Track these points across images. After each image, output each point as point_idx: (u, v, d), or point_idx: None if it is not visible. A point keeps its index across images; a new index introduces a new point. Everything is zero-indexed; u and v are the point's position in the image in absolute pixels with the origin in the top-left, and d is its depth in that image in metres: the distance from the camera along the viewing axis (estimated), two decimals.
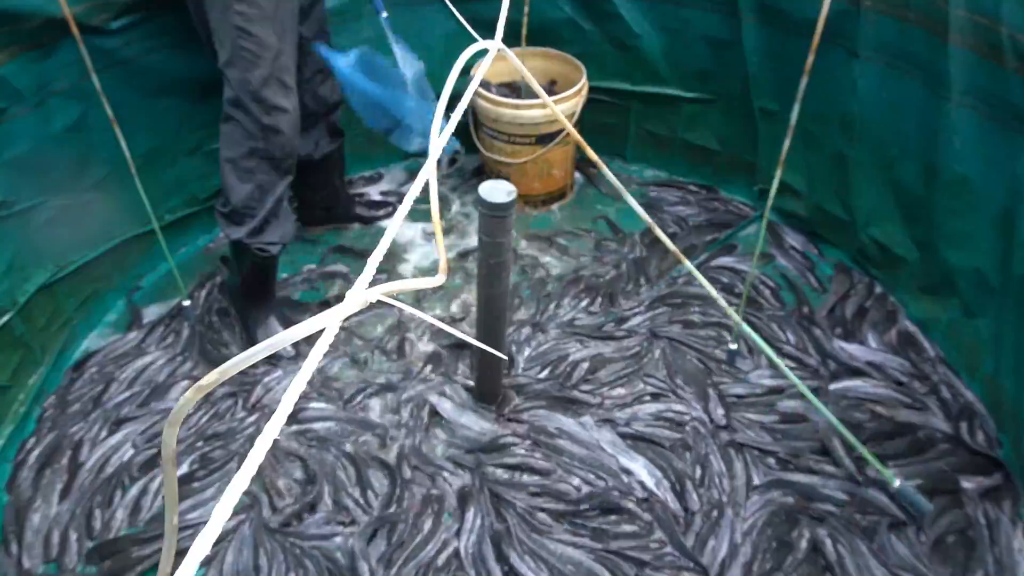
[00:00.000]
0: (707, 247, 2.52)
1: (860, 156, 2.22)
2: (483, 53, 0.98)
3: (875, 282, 2.33)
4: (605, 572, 1.66)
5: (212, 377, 0.41)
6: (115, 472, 1.90)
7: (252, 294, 2.18)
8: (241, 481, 0.43)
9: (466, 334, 2.16)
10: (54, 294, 2.11)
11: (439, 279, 0.66)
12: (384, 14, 2.23)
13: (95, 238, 2.24)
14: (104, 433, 1.99)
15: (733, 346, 2.10)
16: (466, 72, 2.58)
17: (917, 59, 1.94)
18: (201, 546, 0.41)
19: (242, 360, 0.43)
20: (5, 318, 1.91)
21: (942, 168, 1.95)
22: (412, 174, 2.88)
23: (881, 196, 2.20)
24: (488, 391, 2.00)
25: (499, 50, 1.01)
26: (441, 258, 0.70)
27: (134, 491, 1.87)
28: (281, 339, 0.46)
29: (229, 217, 2.03)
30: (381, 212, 2.69)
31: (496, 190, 1.51)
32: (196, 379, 2.08)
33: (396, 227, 0.65)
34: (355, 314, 2.00)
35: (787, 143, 1.72)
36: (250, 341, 2.21)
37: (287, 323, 2.21)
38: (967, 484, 1.78)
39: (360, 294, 0.51)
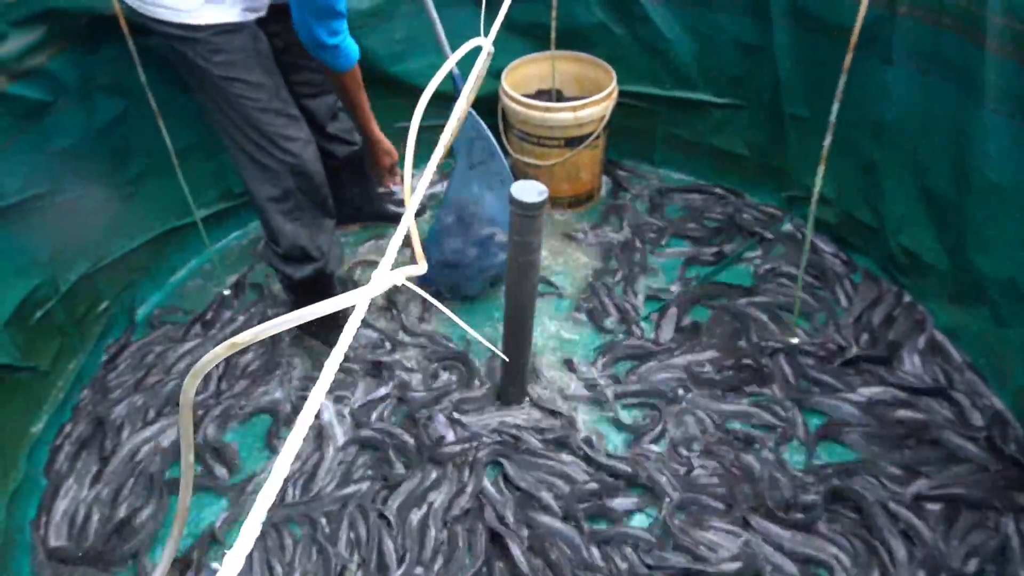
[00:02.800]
0: (735, 252, 2.52)
1: (891, 163, 2.21)
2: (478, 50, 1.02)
3: (904, 290, 2.32)
4: None
5: (247, 336, 0.44)
6: (146, 459, 1.95)
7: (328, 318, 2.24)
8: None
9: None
10: (94, 283, 2.17)
11: (421, 268, 0.68)
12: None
13: (134, 229, 2.31)
14: (141, 421, 2.04)
15: (795, 340, 2.15)
16: (495, 76, 2.62)
17: (952, 65, 1.93)
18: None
19: (277, 324, 0.45)
20: (47, 306, 1.97)
21: (974, 175, 1.93)
22: (442, 173, 2.91)
23: (912, 203, 2.19)
24: (512, 394, 2.02)
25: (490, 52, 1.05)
26: (416, 247, 0.73)
27: (166, 477, 1.92)
28: (310, 312, 0.48)
29: (285, 259, 2.03)
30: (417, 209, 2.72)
31: (527, 190, 1.54)
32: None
33: (412, 212, 0.68)
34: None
35: (827, 142, 1.72)
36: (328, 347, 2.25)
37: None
38: (998, 502, 1.76)
39: (386, 276, 0.54)
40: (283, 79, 1.88)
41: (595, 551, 1.70)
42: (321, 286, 2.10)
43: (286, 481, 1.89)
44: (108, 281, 2.23)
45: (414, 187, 0.72)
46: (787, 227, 2.62)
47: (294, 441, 0.45)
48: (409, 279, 0.57)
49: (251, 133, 1.81)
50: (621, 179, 2.90)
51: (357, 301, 0.51)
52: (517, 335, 1.83)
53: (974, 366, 2.08)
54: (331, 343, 2.34)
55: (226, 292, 2.31)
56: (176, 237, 2.44)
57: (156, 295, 2.45)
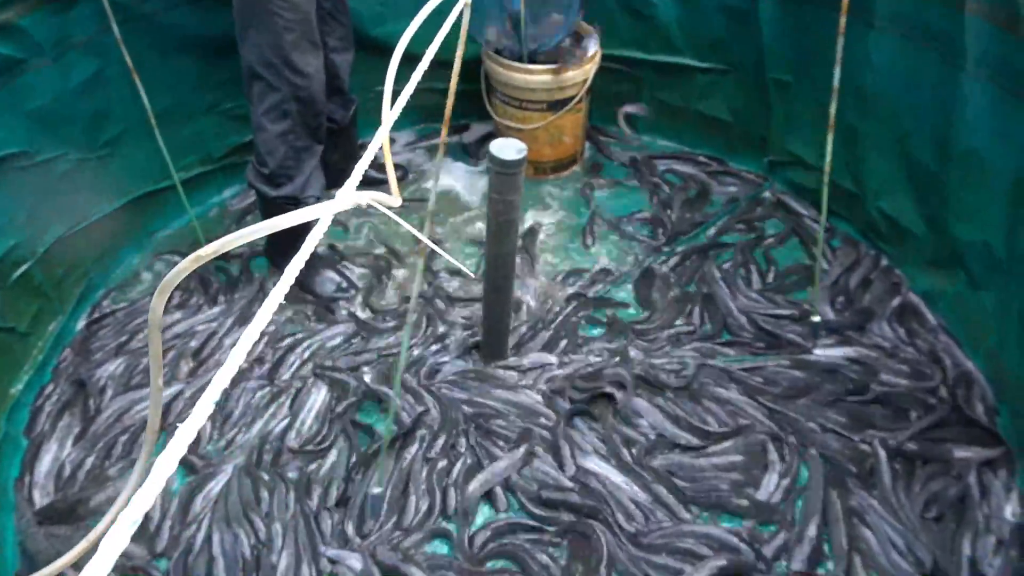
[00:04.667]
0: (716, 218, 2.54)
1: (872, 129, 2.22)
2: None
3: (882, 255, 2.34)
4: None
5: (212, 248, 0.44)
6: (134, 422, 1.96)
7: (295, 249, 2.25)
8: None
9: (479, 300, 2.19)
10: (72, 246, 2.15)
11: (395, 200, 0.68)
12: None
13: (112, 192, 2.28)
14: (125, 384, 2.04)
15: (816, 318, 2.12)
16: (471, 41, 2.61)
17: (933, 30, 1.93)
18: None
19: (241, 235, 0.45)
20: (24, 267, 1.96)
21: (954, 141, 1.95)
22: (422, 136, 2.90)
23: (892, 169, 2.20)
24: (494, 348, 2.04)
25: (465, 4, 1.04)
26: (392, 181, 0.74)
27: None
28: (275, 224, 0.48)
29: (269, 179, 2.09)
30: (397, 174, 2.73)
31: (506, 147, 1.53)
32: (227, 337, 2.13)
33: (380, 139, 0.69)
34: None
35: (833, 109, 1.73)
36: (308, 293, 2.29)
37: (340, 273, 2.31)
38: (963, 453, 1.81)
39: (352, 195, 0.55)
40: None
41: None
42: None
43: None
44: (87, 244, 2.22)
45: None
46: (766, 195, 2.63)
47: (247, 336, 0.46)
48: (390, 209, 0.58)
49: (268, 53, 1.91)
50: (603, 145, 2.89)
51: (321, 215, 0.51)
52: (498, 294, 1.84)
53: (948, 330, 2.11)
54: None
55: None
56: (155, 201, 2.42)
57: (136, 259, 2.43)
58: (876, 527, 1.71)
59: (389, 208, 0.60)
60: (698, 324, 2.19)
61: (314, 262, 2.30)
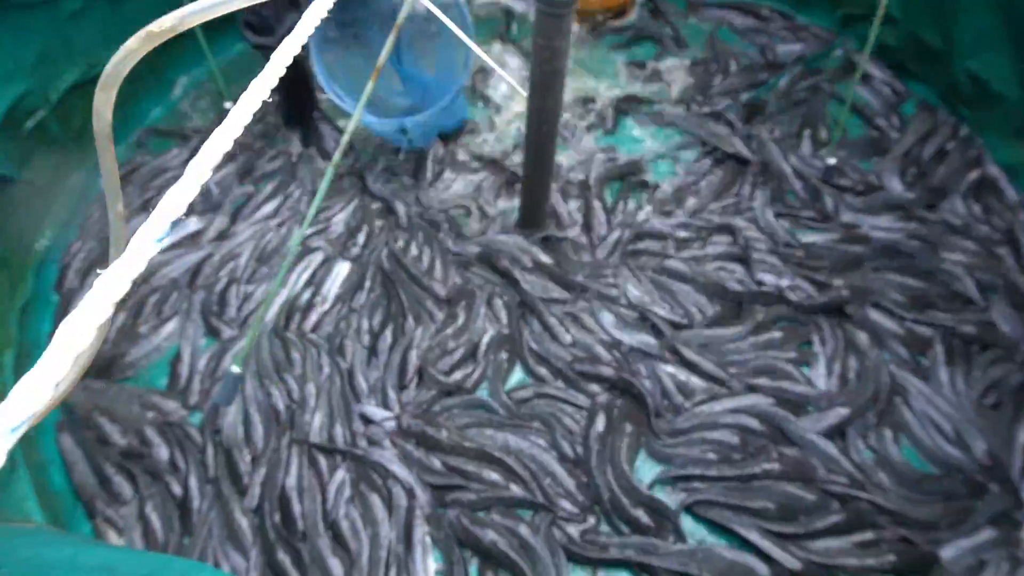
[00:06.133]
0: (776, 78, 2.31)
1: None
2: None
3: (962, 123, 2.12)
4: None
5: (167, 23, 0.36)
6: (160, 282, 1.91)
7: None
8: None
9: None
10: (88, 94, 2.02)
11: None
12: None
13: (125, 36, 2.12)
14: None
15: (832, 160, 1.99)
16: None
17: None
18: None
19: (201, 9, 0.39)
20: (38, 116, 1.85)
21: None
22: None
23: (989, 22, 1.94)
24: (533, 217, 1.92)
25: None
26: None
27: (173, 300, 1.89)
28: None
29: (247, 24, 2.01)
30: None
31: None
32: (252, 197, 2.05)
33: None
34: None
35: None
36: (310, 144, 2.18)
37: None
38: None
39: None
40: None
41: None
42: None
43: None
44: None
45: None
46: (837, 52, 2.37)
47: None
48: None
49: None
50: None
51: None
52: (539, 154, 1.69)
53: None
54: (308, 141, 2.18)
55: (228, 105, 2.17)
56: (174, 47, 2.25)
57: (156, 110, 2.31)
58: (919, 410, 1.63)
59: None
60: (747, 194, 2.04)
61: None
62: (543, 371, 1.72)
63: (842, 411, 1.62)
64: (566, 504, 1.53)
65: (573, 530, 1.50)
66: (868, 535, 1.48)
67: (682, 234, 1.95)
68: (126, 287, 0.37)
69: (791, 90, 2.28)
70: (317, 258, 1.95)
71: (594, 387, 1.68)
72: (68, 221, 1.99)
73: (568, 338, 1.75)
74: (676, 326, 1.77)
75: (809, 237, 1.93)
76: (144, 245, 0.38)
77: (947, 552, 1.46)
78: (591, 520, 1.52)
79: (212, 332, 1.82)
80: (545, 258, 1.88)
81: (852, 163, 2.08)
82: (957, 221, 1.93)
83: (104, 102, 0.38)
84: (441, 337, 1.78)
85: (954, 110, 2.14)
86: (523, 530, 1.48)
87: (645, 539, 1.48)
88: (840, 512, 1.50)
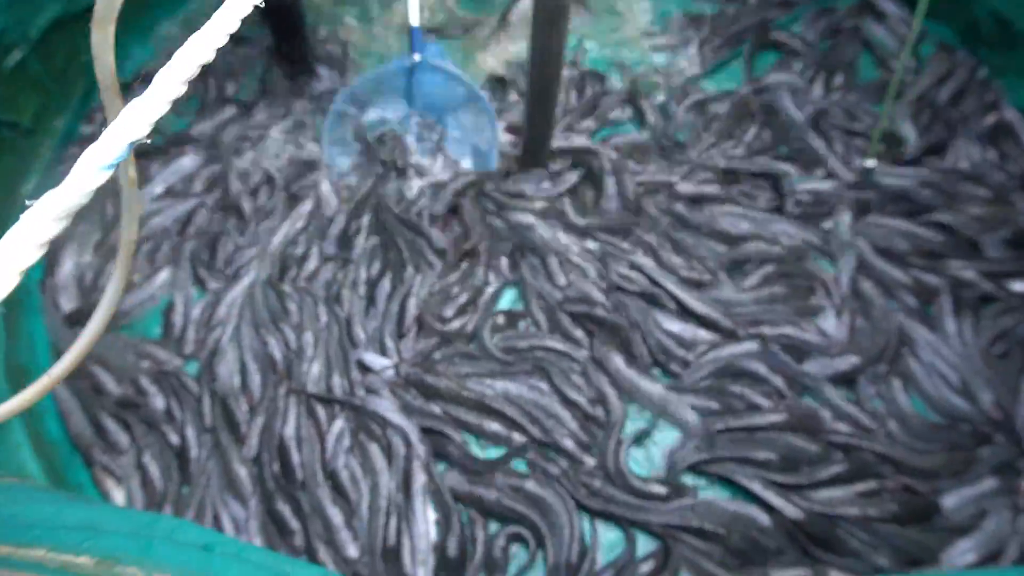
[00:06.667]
0: (791, 15, 2.21)
1: None
2: None
3: (980, 65, 2.04)
4: None
5: None
6: (158, 232, 1.87)
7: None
8: None
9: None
10: (69, 32, 1.93)
11: None
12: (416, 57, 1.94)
13: None
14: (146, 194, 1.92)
15: (870, 163, 1.84)
16: None
17: None
18: None
19: None
20: (18, 55, 1.76)
21: None
22: None
23: None
24: (534, 156, 1.86)
25: None
26: None
27: (165, 249, 1.85)
28: None
29: None
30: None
31: None
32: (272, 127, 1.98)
33: None
34: None
35: None
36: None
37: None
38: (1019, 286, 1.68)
39: None
40: None
41: None
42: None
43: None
44: (85, 31, 1.98)
45: None
46: None
47: None
48: None
49: None
50: None
51: None
52: (542, 97, 1.62)
53: None
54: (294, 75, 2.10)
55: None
56: None
57: (141, 51, 2.21)
58: (926, 360, 1.61)
59: None
60: (751, 139, 1.97)
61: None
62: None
63: (853, 359, 1.60)
64: (568, 443, 1.53)
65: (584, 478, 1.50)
66: (871, 484, 1.47)
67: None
68: (60, 224, 0.34)
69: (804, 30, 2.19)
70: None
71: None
72: (51, 164, 1.93)
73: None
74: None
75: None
76: (90, 171, 0.35)
77: (948, 500, 1.46)
78: (589, 461, 1.52)
79: (200, 284, 1.79)
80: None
81: (864, 106, 2.01)
82: (969, 167, 1.87)
83: (102, 43, 0.32)
84: (444, 283, 1.75)
85: (974, 51, 2.06)
86: (529, 485, 1.48)
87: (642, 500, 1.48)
88: (843, 462, 1.49)
